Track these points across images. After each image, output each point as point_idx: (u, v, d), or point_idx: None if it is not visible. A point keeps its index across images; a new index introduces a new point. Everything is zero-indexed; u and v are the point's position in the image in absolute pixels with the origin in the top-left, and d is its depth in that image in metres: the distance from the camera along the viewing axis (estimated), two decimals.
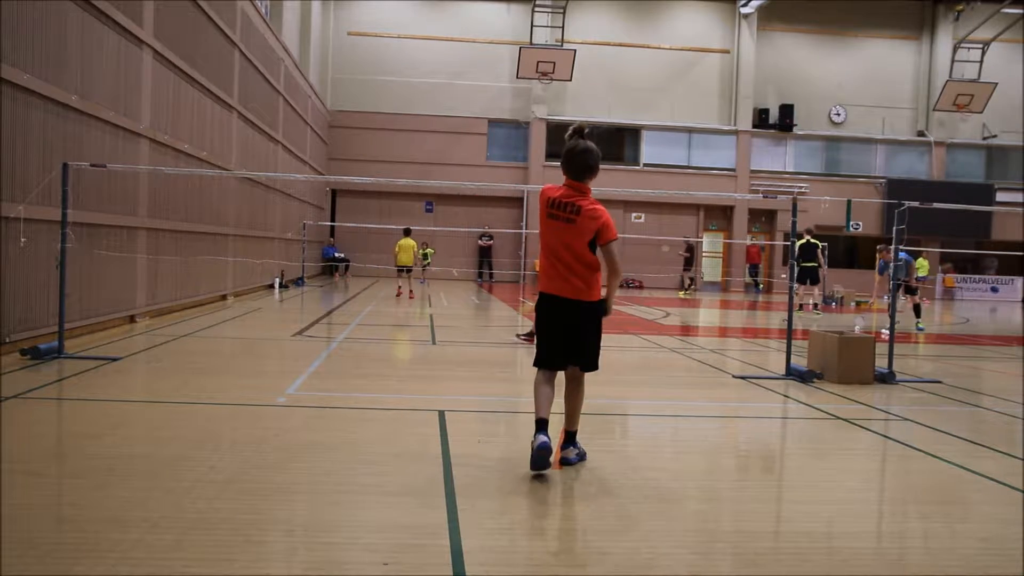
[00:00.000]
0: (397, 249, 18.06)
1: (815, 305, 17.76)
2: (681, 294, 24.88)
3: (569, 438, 4.58)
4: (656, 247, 28.63)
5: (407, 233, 18.31)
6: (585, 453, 4.61)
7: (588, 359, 4.50)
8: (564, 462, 4.47)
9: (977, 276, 30.99)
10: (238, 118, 15.57)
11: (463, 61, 29.39)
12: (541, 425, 4.33)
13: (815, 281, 17.32)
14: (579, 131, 4.51)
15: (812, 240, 17.30)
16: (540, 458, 4.21)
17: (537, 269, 4.16)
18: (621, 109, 29.69)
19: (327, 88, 28.66)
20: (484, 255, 28.63)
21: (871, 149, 30.93)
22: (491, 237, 28.54)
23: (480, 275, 28.30)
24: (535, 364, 4.55)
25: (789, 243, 8.40)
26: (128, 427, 5.22)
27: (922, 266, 16.58)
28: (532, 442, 4.29)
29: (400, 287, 18.67)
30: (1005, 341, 14.18)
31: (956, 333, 15.14)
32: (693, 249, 25.13)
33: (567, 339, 4.42)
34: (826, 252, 17.98)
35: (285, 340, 10.01)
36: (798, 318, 15.30)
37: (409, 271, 18.30)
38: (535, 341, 4.62)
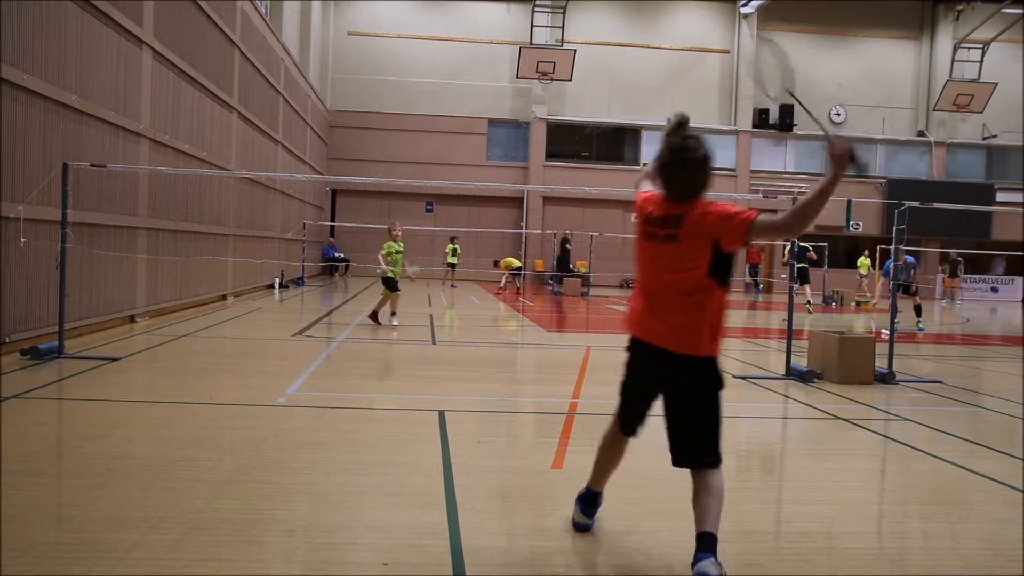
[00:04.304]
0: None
1: (808, 302, 18.10)
2: None
3: (705, 543, 3.00)
4: None
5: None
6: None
7: (704, 445, 3.11)
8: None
9: (977, 276, 30.98)
10: (238, 118, 15.57)
11: (463, 61, 29.38)
12: (588, 500, 3.50)
13: (805, 280, 18.09)
14: (683, 124, 3.25)
15: (800, 244, 17.82)
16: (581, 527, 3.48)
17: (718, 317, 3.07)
18: (621, 109, 29.68)
19: (327, 88, 28.66)
20: (562, 260, 25.87)
21: (871, 149, 30.92)
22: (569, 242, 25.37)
23: (554, 280, 25.37)
24: (616, 416, 3.50)
25: (790, 243, 8.39)
26: (128, 427, 5.22)
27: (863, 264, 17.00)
28: (573, 515, 3.54)
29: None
30: (1005, 341, 14.17)
31: (956, 333, 15.13)
32: None
33: (673, 418, 3.14)
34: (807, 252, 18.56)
35: (285, 340, 10.01)
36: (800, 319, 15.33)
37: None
38: None
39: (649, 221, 3.14)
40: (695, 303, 3.01)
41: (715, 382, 3.08)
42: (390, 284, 11.75)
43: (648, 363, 3.17)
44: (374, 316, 11.81)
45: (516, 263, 22.81)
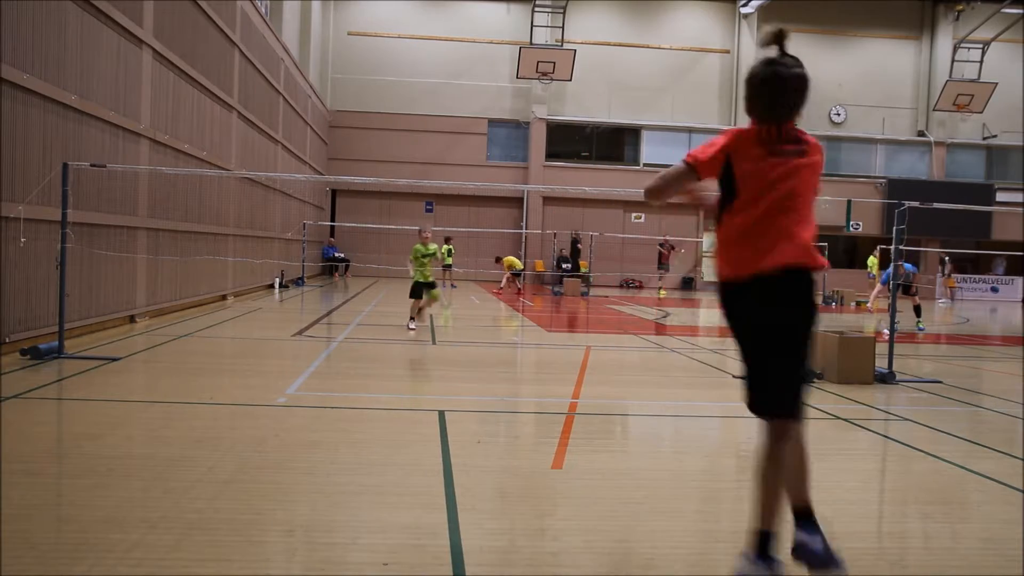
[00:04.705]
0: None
1: None
2: (662, 293, 24.65)
3: (805, 517, 2.89)
4: (655, 247, 28.60)
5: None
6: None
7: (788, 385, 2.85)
8: (803, 553, 2.88)
9: (977, 276, 30.98)
10: (238, 118, 15.57)
11: (463, 61, 29.39)
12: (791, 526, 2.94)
13: None
14: (780, 38, 2.94)
15: None
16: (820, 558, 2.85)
17: (722, 243, 2.92)
18: (621, 109, 29.69)
19: (327, 88, 28.66)
20: (573, 258, 26.20)
21: (871, 149, 30.93)
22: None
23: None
24: (757, 410, 2.97)
25: None
26: (128, 427, 5.22)
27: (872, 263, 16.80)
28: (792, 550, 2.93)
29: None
30: (1006, 341, 14.17)
31: (956, 333, 15.13)
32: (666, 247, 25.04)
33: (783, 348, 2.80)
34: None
35: (285, 340, 10.01)
36: None
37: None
38: (744, 372, 2.95)
39: (774, 137, 2.90)
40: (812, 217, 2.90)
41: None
42: (414, 290, 11.47)
43: (781, 291, 2.78)
44: (415, 317, 11.48)
45: (518, 264, 22.83)
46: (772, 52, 2.96)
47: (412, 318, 11.37)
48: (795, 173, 2.86)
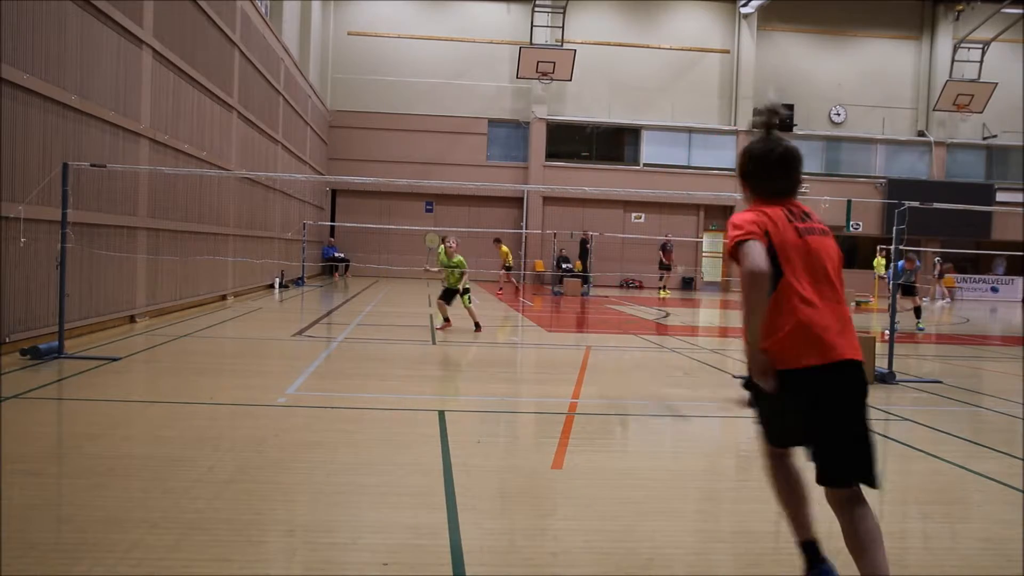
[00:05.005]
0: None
1: None
2: (662, 293, 24.63)
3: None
4: (655, 247, 28.61)
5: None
6: None
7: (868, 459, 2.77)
8: None
9: (977, 276, 30.98)
10: (238, 118, 15.57)
11: (463, 61, 29.39)
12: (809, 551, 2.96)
13: None
14: (774, 114, 2.96)
15: None
16: None
17: (760, 320, 2.78)
18: (621, 109, 29.69)
19: (327, 88, 28.66)
20: (583, 258, 26.15)
21: (871, 149, 30.92)
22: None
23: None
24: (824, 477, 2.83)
25: None
26: (128, 427, 5.22)
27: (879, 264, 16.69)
28: None
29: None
30: (1006, 341, 14.17)
31: (956, 333, 15.13)
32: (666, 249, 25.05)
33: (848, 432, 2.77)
34: None
35: (285, 340, 10.01)
36: None
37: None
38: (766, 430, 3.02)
39: (795, 217, 2.86)
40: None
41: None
42: (444, 294, 11.39)
43: (845, 383, 2.75)
44: (476, 327, 11.45)
45: (511, 258, 22.28)
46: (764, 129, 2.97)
47: (446, 319, 11.51)
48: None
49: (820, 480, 2.81)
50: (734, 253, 2.75)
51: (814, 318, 2.73)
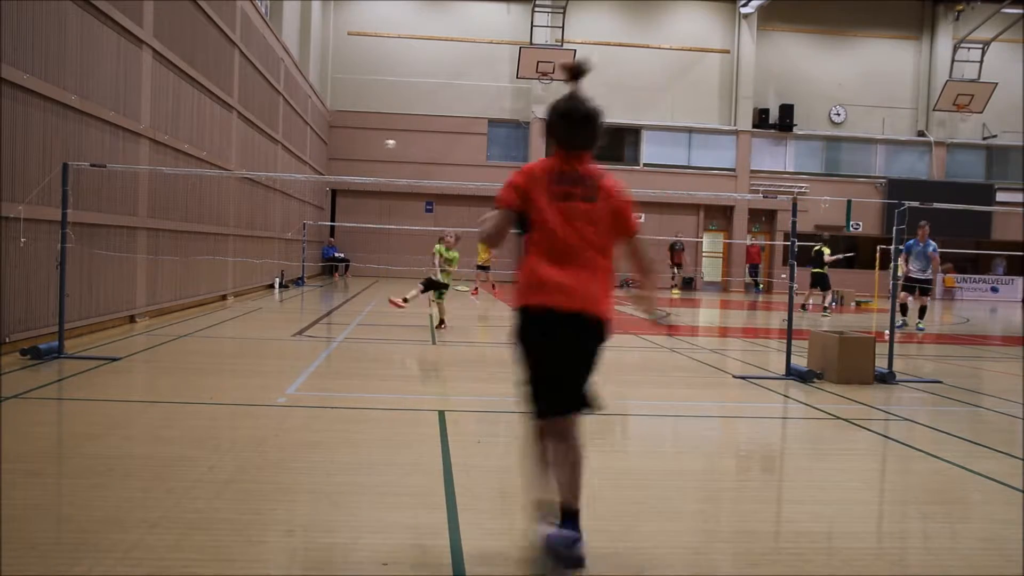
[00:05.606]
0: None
1: (825, 308, 17.89)
2: (674, 293, 24.71)
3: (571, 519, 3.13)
4: (656, 247, 28.58)
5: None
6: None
7: (582, 395, 3.13)
8: (557, 545, 3.04)
9: (977, 276, 30.98)
10: (238, 118, 15.57)
11: (463, 61, 29.39)
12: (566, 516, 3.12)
13: (825, 287, 17.78)
14: (578, 74, 3.32)
15: (824, 248, 17.86)
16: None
17: (524, 273, 3.11)
18: (621, 109, 29.66)
19: (327, 88, 28.66)
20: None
21: (871, 149, 30.92)
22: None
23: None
24: (540, 414, 3.15)
25: (790, 243, 8.38)
26: (128, 427, 5.22)
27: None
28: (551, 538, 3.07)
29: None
30: (1006, 341, 14.17)
31: (956, 333, 15.13)
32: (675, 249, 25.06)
33: (571, 373, 3.10)
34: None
35: (285, 340, 10.01)
36: (802, 318, 15.33)
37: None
38: (529, 382, 3.15)
39: (562, 179, 3.09)
40: (608, 265, 3.14)
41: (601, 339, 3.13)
42: (428, 283, 11.41)
43: (567, 329, 3.04)
44: (441, 323, 11.61)
45: (484, 255, 20.90)
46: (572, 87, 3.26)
47: (406, 299, 11.39)
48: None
49: (550, 411, 3.11)
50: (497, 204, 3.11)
51: (546, 274, 3.04)
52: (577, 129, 3.17)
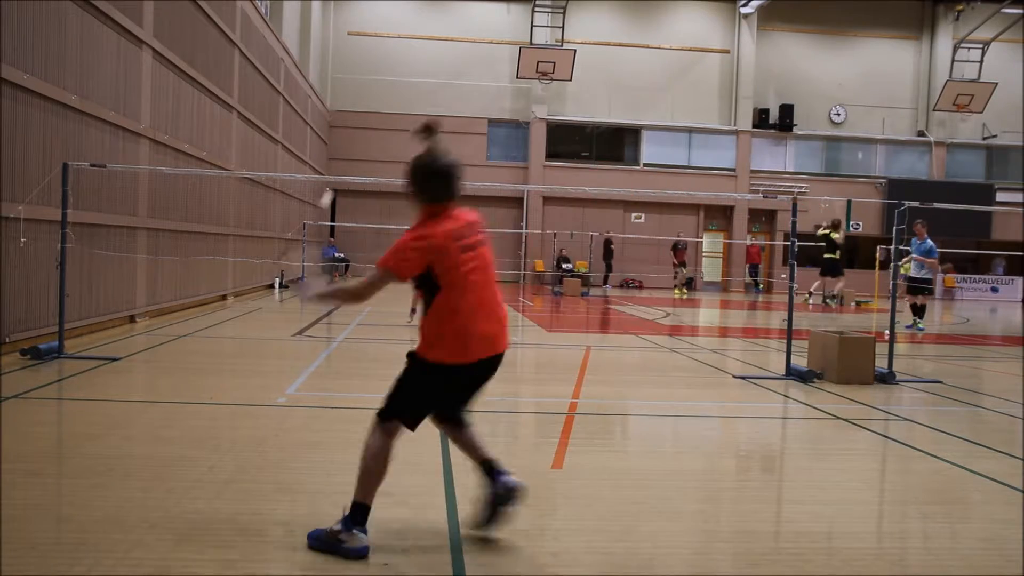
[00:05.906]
0: None
1: (810, 293, 17.60)
2: (677, 293, 24.72)
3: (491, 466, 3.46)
4: (656, 247, 28.60)
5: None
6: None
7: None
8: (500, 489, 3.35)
9: (977, 276, 30.98)
10: (238, 118, 15.57)
11: (463, 61, 29.39)
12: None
13: (837, 272, 17.31)
14: (431, 132, 3.57)
15: (823, 231, 17.48)
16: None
17: (458, 321, 3.21)
18: (621, 109, 29.68)
19: (327, 88, 28.66)
20: (607, 259, 26.68)
21: (871, 149, 30.92)
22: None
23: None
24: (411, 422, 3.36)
25: (790, 243, 8.38)
26: (128, 427, 5.22)
27: (905, 268, 16.35)
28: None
29: None
30: (1006, 341, 14.17)
31: (956, 333, 15.13)
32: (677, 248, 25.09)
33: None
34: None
35: (285, 340, 10.01)
36: (803, 317, 15.30)
37: None
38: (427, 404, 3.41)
39: (469, 230, 3.29)
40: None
41: None
42: None
43: (485, 374, 3.36)
44: (413, 312, 11.56)
45: None
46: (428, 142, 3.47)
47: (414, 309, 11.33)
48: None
49: (450, 418, 3.50)
50: (382, 264, 3.18)
51: (482, 329, 3.24)
52: (452, 181, 3.31)
